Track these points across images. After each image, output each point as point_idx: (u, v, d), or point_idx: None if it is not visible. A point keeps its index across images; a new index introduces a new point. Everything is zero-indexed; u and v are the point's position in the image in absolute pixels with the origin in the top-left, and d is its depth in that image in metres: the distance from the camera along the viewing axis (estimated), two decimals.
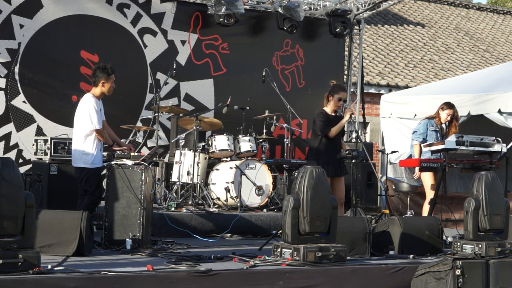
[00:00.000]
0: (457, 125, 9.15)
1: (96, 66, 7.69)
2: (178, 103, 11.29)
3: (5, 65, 10.37)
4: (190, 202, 9.38)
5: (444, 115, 9.06)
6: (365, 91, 13.63)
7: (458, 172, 11.49)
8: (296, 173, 8.38)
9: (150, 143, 11.16)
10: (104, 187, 7.34)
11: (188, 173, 9.61)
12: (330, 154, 8.25)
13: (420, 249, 7.22)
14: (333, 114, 8.44)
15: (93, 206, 7.44)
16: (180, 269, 5.79)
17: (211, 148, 9.99)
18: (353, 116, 8.43)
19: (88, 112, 7.34)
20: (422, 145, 8.83)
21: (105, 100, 7.67)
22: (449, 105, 9.11)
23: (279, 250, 6.37)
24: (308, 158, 8.53)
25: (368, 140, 15.05)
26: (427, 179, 8.82)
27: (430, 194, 8.73)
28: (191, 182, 9.50)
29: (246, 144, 10.06)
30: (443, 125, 9.14)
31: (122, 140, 8.22)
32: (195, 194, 9.53)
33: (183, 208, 9.15)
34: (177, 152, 9.86)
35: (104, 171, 7.36)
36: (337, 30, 12.20)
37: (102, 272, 5.44)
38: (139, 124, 11.11)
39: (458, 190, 12.50)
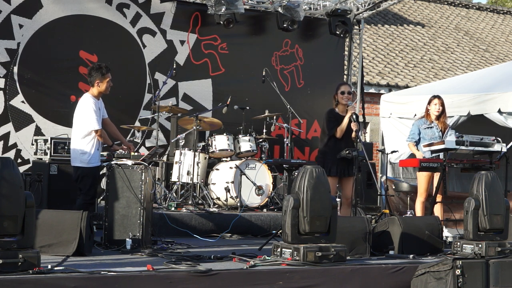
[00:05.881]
0: (445, 118, 9.00)
1: (91, 66, 7.65)
2: (176, 103, 11.27)
3: (4, 65, 10.35)
4: (190, 202, 9.38)
5: (433, 107, 8.88)
6: (365, 91, 13.63)
7: (455, 172, 11.48)
8: (296, 173, 8.39)
9: (148, 143, 11.15)
10: (104, 187, 7.33)
11: (188, 173, 9.61)
12: (337, 154, 8.19)
13: (420, 249, 7.21)
14: (343, 113, 8.31)
15: (88, 206, 7.28)
16: (180, 269, 5.79)
17: (211, 148, 9.99)
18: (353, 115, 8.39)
19: (86, 112, 7.32)
20: (422, 145, 8.80)
21: (103, 100, 7.65)
22: (434, 96, 8.95)
23: (279, 250, 6.36)
24: (317, 157, 8.47)
25: (368, 140, 15.05)
26: (422, 180, 8.74)
27: (421, 196, 8.69)
28: (191, 182, 9.50)
29: (246, 144, 10.06)
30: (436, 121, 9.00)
31: None
32: (195, 194, 9.53)
33: (183, 208, 9.16)
34: (177, 152, 9.86)
35: (104, 171, 7.35)
36: (338, 32, 12.19)
37: (102, 272, 5.44)
38: (137, 124, 11.10)
39: (456, 190, 12.49)
